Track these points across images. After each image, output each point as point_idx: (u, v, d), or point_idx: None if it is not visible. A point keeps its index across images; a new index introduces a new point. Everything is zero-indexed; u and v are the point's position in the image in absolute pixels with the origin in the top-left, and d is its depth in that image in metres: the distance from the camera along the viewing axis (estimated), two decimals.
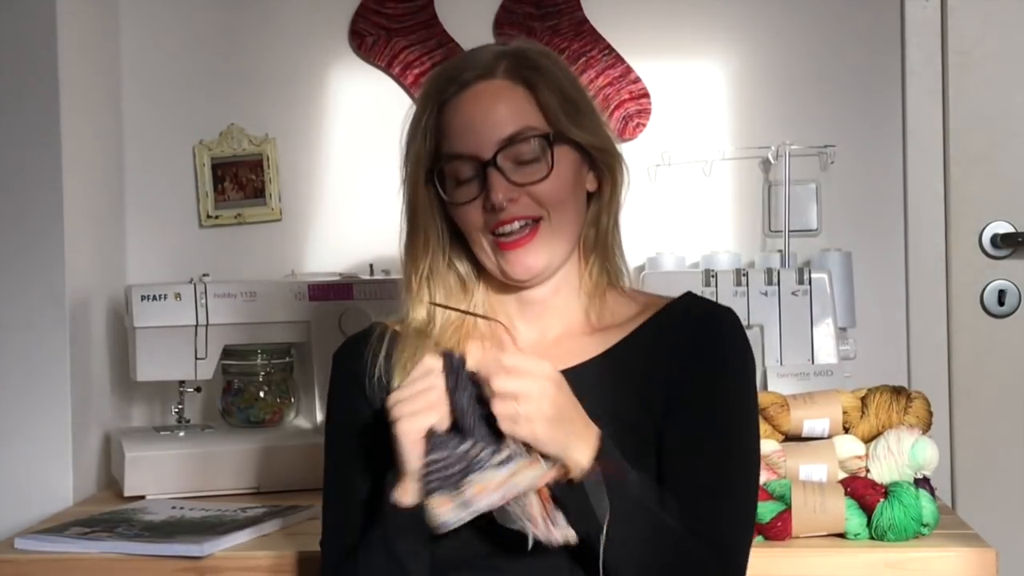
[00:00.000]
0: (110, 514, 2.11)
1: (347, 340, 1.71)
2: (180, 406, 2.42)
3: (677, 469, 1.53)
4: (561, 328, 1.64)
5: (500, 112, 1.56)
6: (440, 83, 1.59)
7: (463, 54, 1.64)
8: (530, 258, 1.57)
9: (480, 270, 1.64)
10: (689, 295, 1.65)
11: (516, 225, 1.56)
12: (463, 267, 1.63)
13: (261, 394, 2.46)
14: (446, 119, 1.57)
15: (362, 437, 1.60)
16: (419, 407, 1.43)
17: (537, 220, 1.57)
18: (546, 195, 1.56)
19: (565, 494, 1.42)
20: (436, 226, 1.61)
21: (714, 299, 2.28)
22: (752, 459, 1.58)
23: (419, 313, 1.61)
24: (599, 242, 1.64)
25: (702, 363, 1.55)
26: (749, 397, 1.59)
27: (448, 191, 1.58)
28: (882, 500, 1.85)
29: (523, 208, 1.56)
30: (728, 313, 1.61)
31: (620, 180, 1.63)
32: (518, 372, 1.41)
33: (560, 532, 1.41)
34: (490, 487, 1.39)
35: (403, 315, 1.63)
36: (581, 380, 1.55)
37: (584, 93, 1.62)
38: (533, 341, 1.63)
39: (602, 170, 1.63)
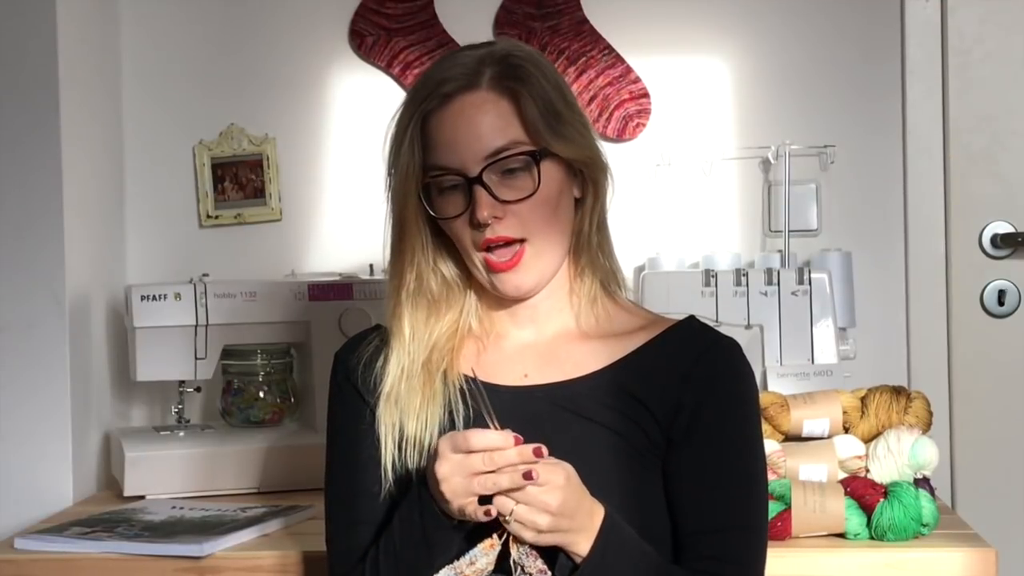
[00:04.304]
0: (110, 514, 2.11)
1: (349, 340, 1.71)
2: (180, 406, 2.42)
3: (696, 505, 1.55)
4: (554, 331, 1.63)
5: (485, 126, 1.54)
6: (422, 93, 1.57)
7: (446, 58, 1.61)
8: (519, 278, 1.57)
9: (469, 273, 1.63)
10: (693, 319, 1.64)
11: (504, 251, 1.56)
12: (450, 272, 1.62)
13: (261, 394, 2.46)
14: (430, 132, 1.56)
15: (363, 435, 1.60)
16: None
17: (521, 242, 1.56)
18: (530, 214, 1.55)
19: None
20: (422, 237, 1.60)
21: (714, 299, 2.30)
22: (766, 491, 1.61)
23: (402, 329, 1.60)
24: (584, 247, 1.64)
25: (720, 399, 1.56)
26: (760, 430, 1.61)
27: (435, 202, 1.57)
28: (882, 500, 1.85)
29: (507, 228, 1.55)
30: (737, 345, 1.61)
31: (603, 189, 1.62)
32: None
33: None
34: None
35: (387, 327, 1.63)
36: (582, 392, 1.57)
37: (569, 100, 1.60)
38: (528, 343, 1.63)
39: (585, 178, 1.62)
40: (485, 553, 1.45)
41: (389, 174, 1.61)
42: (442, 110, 1.55)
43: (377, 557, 1.54)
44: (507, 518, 1.42)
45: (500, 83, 1.55)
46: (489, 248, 1.56)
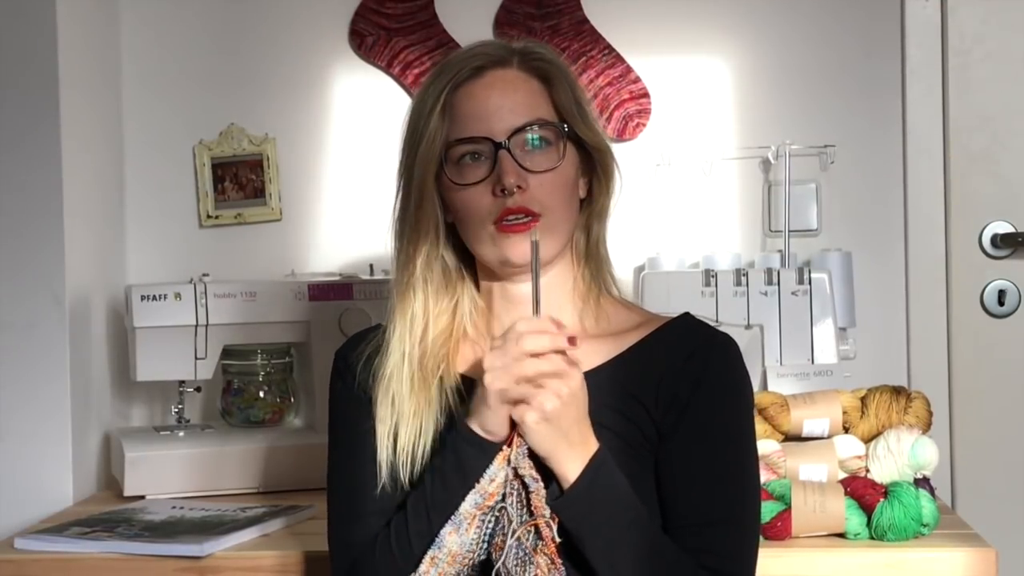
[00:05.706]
0: (110, 514, 2.11)
1: (350, 338, 1.70)
2: (180, 406, 2.42)
3: (684, 498, 1.54)
4: None
5: (515, 100, 1.57)
6: (453, 68, 1.58)
7: (471, 45, 1.63)
8: (528, 244, 1.55)
9: (466, 266, 1.63)
10: (688, 316, 1.64)
11: (519, 223, 1.56)
12: (451, 260, 1.62)
13: (261, 394, 2.46)
14: (458, 104, 1.57)
15: (363, 431, 1.59)
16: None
17: (536, 216, 1.56)
18: (549, 189, 1.56)
19: (553, 504, 1.46)
20: (436, 213, 1.60)
21: (714, 299, 2.30)
22: (757, 488, 1.59)
23: (415, 301, 1.60)
24: (590, 249, 1.64)
25: (711, 392, 1.55)
26: (753, 427, 1.61)
27: (452, 176, 1.57)
28: (882, 500, 1.85)
29: (527, 200, 1.55)
30: (731, 341, 1.61)
31: (613, 183, 1.63)
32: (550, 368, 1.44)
33: None
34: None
35: (392, 305, 1.61)
36: None
37: (587, 98, 1.64)
38: None
39: (597, 174, 1.63)
40: (501, 467, 1.48)
41: (411, 147, 1.60)
42: (472, 82, 1.57)
43: (401, 520, 1.53)
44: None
45: (530, 64, 1.60)
46: (504, 221, 1.55)
